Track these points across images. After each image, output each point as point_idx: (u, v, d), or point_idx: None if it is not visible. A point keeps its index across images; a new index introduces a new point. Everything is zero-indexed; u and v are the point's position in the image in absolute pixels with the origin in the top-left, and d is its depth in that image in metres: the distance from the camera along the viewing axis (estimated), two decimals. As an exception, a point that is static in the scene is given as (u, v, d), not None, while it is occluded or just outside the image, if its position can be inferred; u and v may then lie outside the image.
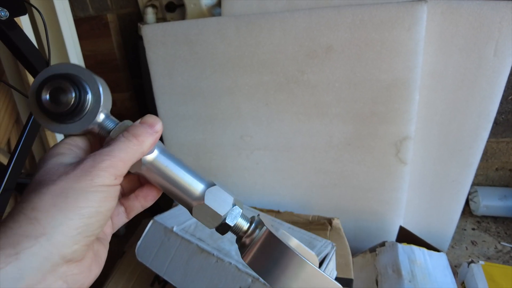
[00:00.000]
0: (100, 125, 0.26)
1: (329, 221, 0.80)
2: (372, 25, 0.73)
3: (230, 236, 0.71)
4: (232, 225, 0.28)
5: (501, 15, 0.70)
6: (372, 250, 0.81)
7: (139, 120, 0.26)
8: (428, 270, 0.73)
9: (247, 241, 0.28)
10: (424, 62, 0.75)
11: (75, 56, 0.98)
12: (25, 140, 0.64)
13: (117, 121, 0.27)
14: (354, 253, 0.80)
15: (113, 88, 1.22)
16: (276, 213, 0.86)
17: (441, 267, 0.75)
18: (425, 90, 0.79)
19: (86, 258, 0.23)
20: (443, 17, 0.74)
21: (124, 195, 0.30)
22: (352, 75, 0.77)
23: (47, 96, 0.24)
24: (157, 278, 0.79)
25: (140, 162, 0.26)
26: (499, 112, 0.98)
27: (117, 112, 1.28)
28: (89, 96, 0.25)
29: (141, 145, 0.25)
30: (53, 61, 0.90)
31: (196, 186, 0.28)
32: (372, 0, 0.76)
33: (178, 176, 0.27)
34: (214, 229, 0.28)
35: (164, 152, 0.28)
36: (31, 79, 0.91)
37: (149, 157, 0.27)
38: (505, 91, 0.77)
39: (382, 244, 0.80)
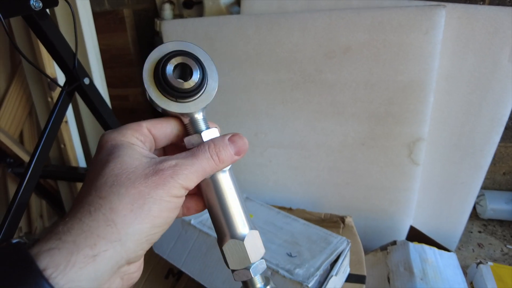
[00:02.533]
0: (197, 117, 0.26)
1: (342, 219, 0.81)
2: (390, 28, 0.74)
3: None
4: (252, 276, 0.26)
5: (517, 21, 0.72)
6: (383, 248, 0.82)
7: (228, 135, 0.26)
8: (440, 269, 0.75)
9: None
10: (439, 65, 0.77)
11: (93, 49, 0.99)
12: (49, 132, 0.64)
13: (206, 121, 0.27)
14: (365, 251, 0.81)
15: (126, 83, 1.23)
16: (288, 210, 0.87)
17: (452, 266, 0.77)
18: (439, 93, 0.81)
19: (141, 258, 0.24)
20: (459, 21, 0.75)
21: None
22: (369, 76, 0.78)
23: (171, 71, 0.24)
24: (171, 271, 0.80)
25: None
26: (509, 117, 1.00)
27: (129, 106, 1.29)
28: (210, 80, 0.25)
29: (220, 165, 0.25)
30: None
31: (241, 223, 0.27)
32: (391, 3, 0.78)
33: (233, 204, 0.26)
34: (230, 269, 0.27)
35: (231, 172, 0.27)
36: (48, 69, 0.92)
37: (218, 174, 0.26)
38: (516, 96, 0.79)
39: (394, 243, 0.82)
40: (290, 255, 0.63)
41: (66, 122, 1.02)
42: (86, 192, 0.22)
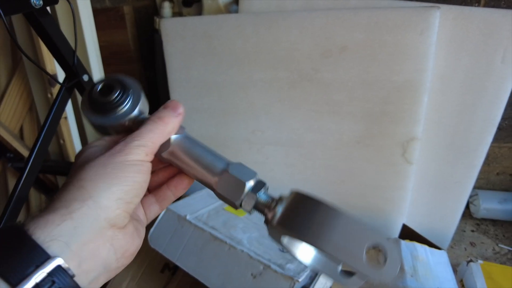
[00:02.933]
0: (136, 119, 0.29)
1: (336, 216, 0.82)
2: (386, 28, 0.75)
3: (242, 225, 0.74)
4: (257, 196, 0.27)
5: (510, 23, 0.73)
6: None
7: (162, 106, 0.29)
8: (430, 266, 0.76)
9: (270, 215, 0.26)
10: (434, 65, 0.78)
11: (93, 46, 1.00)
12: (49, 127, 0.66)
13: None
14: (359, 248, 0.82)
15: (126, 80, 1.23)
16: (283, 207, 0.89)
17: (442, 264, 0.78)
18: (434, 93, 0.82)
19: (128, 227, 0.26)
20: (454, 22, 0.76)
21: (156, 187, 0.32)
22: (365, 75, 0.79)
23: (98, 88, 0.29)
24: (167, 265, 0.82)
25: (169, 142, 0.29)
26: (502, 118, 1.00)
27: (128, 103, 1.30)
28: (130, 97, 0.29)
29: (166, 126, 0.28)
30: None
31: (220, 162, 0.28)
32: (387, 4, 0.79)
33: (203, 153, 0.29)
34: (240, 207, 0.27)
35: (190, 135, 0.30)
36: (48, 65, 0.93)
37: (176, 138, 0.29)
38: (510, 97, 0.80)
39: (386, 240, 0.83)
40: (282, 251, 0.64)
41: (66, 118, 1.03)
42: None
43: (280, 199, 0.27)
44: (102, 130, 0.30)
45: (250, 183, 0.27)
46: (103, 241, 0.23)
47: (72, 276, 0.21)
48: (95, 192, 0.23)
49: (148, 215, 0.31)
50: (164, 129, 0.28)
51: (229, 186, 0.27)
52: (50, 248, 0.20)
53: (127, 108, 0.29)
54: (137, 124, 0.29)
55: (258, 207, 0.27)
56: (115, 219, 0.24)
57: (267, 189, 0.28)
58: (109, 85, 0.29)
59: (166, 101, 0.30)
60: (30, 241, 0.20)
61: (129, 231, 0.26)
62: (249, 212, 0.28)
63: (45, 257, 0.20)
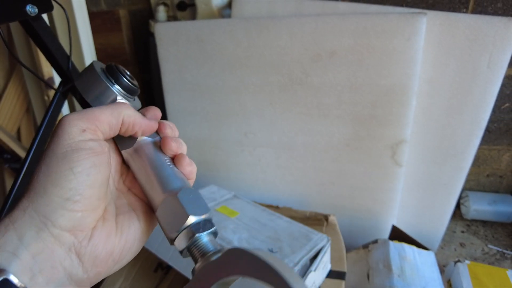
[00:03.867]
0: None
1: (326, 217, 0.84)
2: (374, 33, 0.77)
3: (233, 226, 0.75)
4: (195, 235, 0.21)
5: (495, 29, 0.74)
6: (365, 246, 0.86)
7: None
8: (417, 266, 0.78)
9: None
10: (422, 70, 0.80)
11: (89, 49, 1.02)
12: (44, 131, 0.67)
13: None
14: (349, 249, 0.84)
15: (122, 82, 1.25)
16: (275, 208, 0.90)
17: (429, 264, 0.80)
18: (422, 97, 0.83)
19: (98, 228, 0.22)
20: (441, 28, 0.78)
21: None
22: (353, 79, 0.81)
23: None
24: (161, 265, 0.83)
25: (134, 141, 0.26)
26: (491, 121, 1.03)
27: (124, 105, 1.31)
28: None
29: (121, 109, 0.24)
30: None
31: (176, 181, 0.24)
32: (375, 9, 0.81)
33: (163, 165, 0.25)
34: (172, 244, 0.22)
35: (155, 145, 0.26)
36: (45, 68, 0.94)
37: (145, 139, 0.26)
38: (497, 100, 0.82)
39: (375, 241, 0.85)
40: (271, 251, 0.66)
41: (62, 119, 1.05)
42: None
43: (219, 251, 0.21)
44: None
45: (195, 219, 0.22)
46: (63, 251, 0.20)
47: None
48: (35, 197, 0.20)
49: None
50: (115, 110, 0.24)
51: (170, 212, 0.22)
52: None
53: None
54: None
55: (193, 251, 0.22)
56: (70, 222, 0.20)
57: (215, 235, 0.23)
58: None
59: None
60: None
61: (102, 232, 0.22)
62: (181, 254, 0.22)
63: None
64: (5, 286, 0.18)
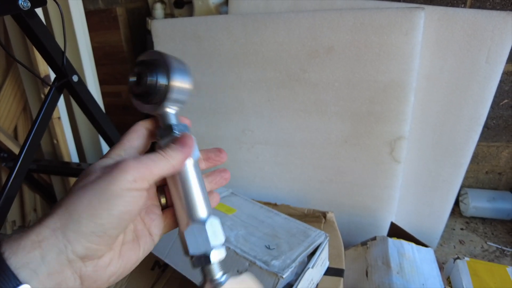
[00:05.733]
0: (162, 116, 0.28)
1: (324, 214, 0.83)
2: (372, 29, 0.76)
3: (230, 223, 0.75)
4: (212, 262, 0.27)
5: (493, 24, 0.74)
6: (364, 243, 0.85)
7: (173, 140, 0.28)
8: (416, 263, 0.77)
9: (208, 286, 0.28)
10: (420, 65, 0.79)
11: (85, 47, 1.02)
12: (38, 127, 0.67)
13: (178, 122, 0.29)
14: (347, 246, 0.84)
15: (119, 80, 1.25)
16: (273, 206, 0.90)
17: (428, 261, 0.79)
18: (420, 93, 0.83)
19: (106, 256, 0.24)
20: (439, 23, 0.78)
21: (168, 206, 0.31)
22: (351, 75, 0.80)
23: (134, 78, 0.28)
24: (157, 263, 0.83)
25: None
26: (490, 117, 1.02)
27: (122, 103, 1.31)
28: (164, 83, 0.27)
29: (168, 161, 0.26)
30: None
31: (201, 209, 0.28)
32: (373, 5, 0.80)
33: (192, 192, 0.28)
34: (188, 256, 0.28)
35: (195, 167, 0.29)
36: (41, 65, 0.94)
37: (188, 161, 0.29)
38: (496, 96, 0.81)
39: (374, 238, 0.84)
40: (268, 248, 0.65)
41: (59, 118, 1.04)
42: None
43: (224, 274, 0.28)
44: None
45: (215, 250, 0.28)
46: (71, 273, 0.23)
47: None
48: (67, 222, 0.22)
49: (154, 234, 0.29)
50: (167, 164, 0.26)
51: (197, 237, 0.27)
52: (20, 274, 0.20)
53: (159, 98, 0.28)
54: (164, 122, 0.28)
55: (205, 272, 0.28)
56: (85, 252, 0.23)
57: (222, 261, 0.29)
58: (140, 72, 0.27)
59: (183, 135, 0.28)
60: (4, 265, 0.20)
61: (103, 262, 0.24)
62: (193, 267, 0.28)
63: (16, 283, 0.20)
64: None
